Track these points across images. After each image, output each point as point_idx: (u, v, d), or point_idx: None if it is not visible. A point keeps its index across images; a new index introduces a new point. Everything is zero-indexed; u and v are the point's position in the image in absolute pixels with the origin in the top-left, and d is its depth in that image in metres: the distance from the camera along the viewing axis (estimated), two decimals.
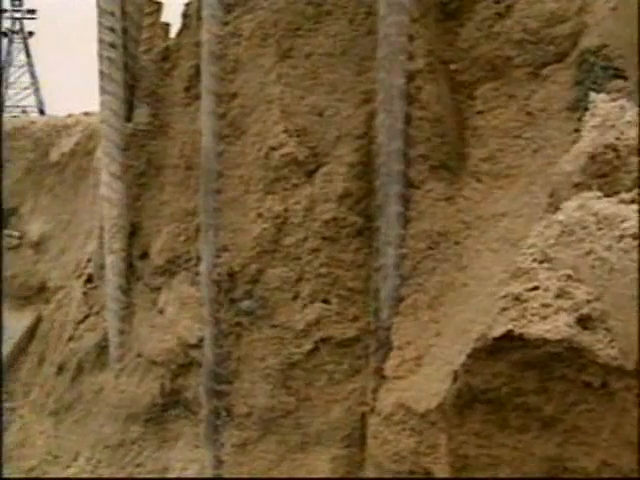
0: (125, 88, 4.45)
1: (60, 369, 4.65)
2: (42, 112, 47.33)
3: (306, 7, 3.89)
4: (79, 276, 5.13)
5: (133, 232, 4.44)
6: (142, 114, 4.47)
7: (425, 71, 3.61)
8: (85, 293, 4.75)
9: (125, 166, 4.40)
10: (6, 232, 15.36)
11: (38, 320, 13.52)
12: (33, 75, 55.48)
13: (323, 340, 3.63)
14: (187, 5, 4.62)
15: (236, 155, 3.82)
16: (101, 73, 4.42)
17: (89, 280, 4.80)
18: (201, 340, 3.87)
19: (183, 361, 4.03)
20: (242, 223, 3.75)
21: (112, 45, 4.40)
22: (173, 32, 4.91)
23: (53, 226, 15.15)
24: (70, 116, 16.79)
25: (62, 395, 4.53)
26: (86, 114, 16.74)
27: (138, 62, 4.56)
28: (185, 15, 4.59)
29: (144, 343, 4.19)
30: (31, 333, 12.80)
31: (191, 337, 3.94)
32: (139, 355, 4.21)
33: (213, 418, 3.84)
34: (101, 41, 4.42)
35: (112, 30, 4.40)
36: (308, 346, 3.64)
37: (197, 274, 3.95)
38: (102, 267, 4.59)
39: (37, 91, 55.00)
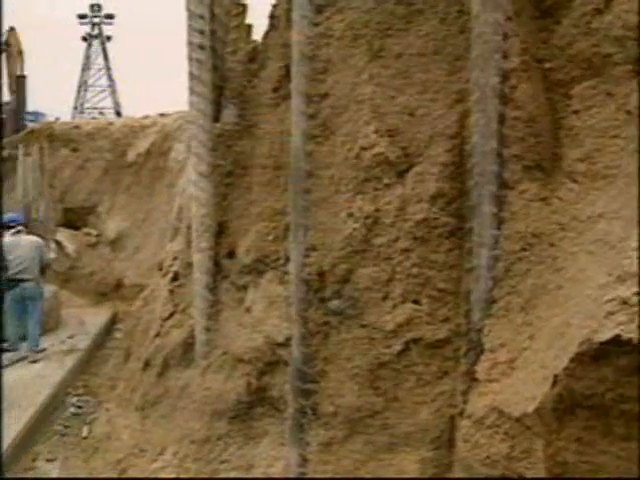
0: (213, 89, 4.51)
1: (146, 365, 4.73)
2: (118, 113, 48.46)
3: (397, 7, 3.88)
4: (165, 274, 5.21)
5: (220, 231, 4.50)
6: (230, 114, 4.52)
7: (520, 70, 3.56)
8: (171, 291, 4.82)
9: (213, 166, 4.46)
10: (85, 230, 15.80)
11: (114, 316, 13.86)
12: (110, 78, 56.94)
13: (413, 341, 3.61)
14: (274, 7, 4.66)
15: (326, 155, 3.83)
16: (190, 74, 4.49)
17: (175, 278, 4.88)
18: (288, 339, 3.88)
19: (270, 359, 4.06)
20: (332, 223, 3.76)
21: (201, 47, 4.46)
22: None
23: (129, 224, 15.57)
24: (146, 117, 17.19)
25: (148, 390, 4.61)
26: (162, 115, 17.13)
27: (226, 63, 4.61)
28: (272, 16, 4.63)
29: (231, 341, 4.23)
30: (107, 329, 13.12)
31: (279, 336, 3.97)
32: (225, 353, 4.25)
33: (299, 417, 3.85)
34: (190, 43, 4.49)
35: (201, 32, 4.46)
36: (398, 347, 3.63)
37: (286, 273, 3.98)
38: (188, 265, 4.66)
39: (114, 93, 56.41)
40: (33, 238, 11.13)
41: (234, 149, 4.51)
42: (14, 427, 7.91)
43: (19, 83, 25.49)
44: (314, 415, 3.81)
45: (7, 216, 11.40)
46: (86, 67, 58.13)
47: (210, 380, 4.25)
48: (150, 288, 5.39)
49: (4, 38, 35.20)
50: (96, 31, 58.17)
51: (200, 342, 4.39)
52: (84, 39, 58.09)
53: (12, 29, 34.33)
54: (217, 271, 4.45)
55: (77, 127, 16.80)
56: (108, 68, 57.60)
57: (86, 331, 12.37)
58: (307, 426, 3.83)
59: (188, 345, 4.49)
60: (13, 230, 10.91)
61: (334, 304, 3.75)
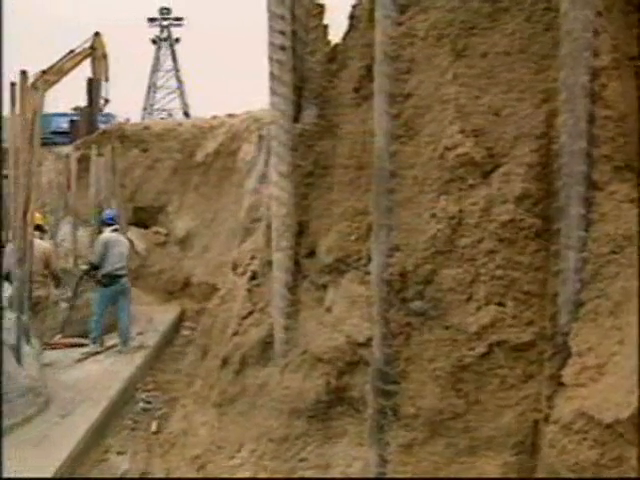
0: (294, 90, 4.53)
1: (224, 363, 4.78)
2: (187, 114, 49.33)
3: (482, 5, 3.84)
4: (242, 273, 5.26)
5: (300, 230, 4.52)
6: (310, 115, 4.54)
7: (610, 68, 3.49)
8: (249, 290, 4.86)
9: (293, 166, 4.48)
10: (154, 229, 16.10)
11: (182, 314, 14.08)
12: (179, 79, 58.11)
13: (497, 343, 3.57)
14: (354, 7, 4.67)
15: (410, 155, 3.82)
16: (271, 75, 4.52)
17: (253, 277, 4.92)
18: (370, 339, 3.88)
19: (350, 359, 4.06)
20: (415, 223, 3.74)
21: (282, 48, 4.49)
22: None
23: (197, 224, 15.81)
24: (215, 118, 17.43)
25: (226, 388, 4.65)
26: (230, 116, 17.34)
27: (306, 64, 4.63)
28: (352, 17, 4.64)
29: (310, 340, 4.25)
30: (175, 326, 13.34)
31: (360, 336, 3.97)
32: (305, 352, 4.27)
33: (379, 417, 3.84)
34: (271, 44, 4.52)
35: (282, 33, 4.49)
36: (481, 349, 3.59)
37: (367, 273, 3.97)
38: (267, 264, 4.70)
39: (182, 94, 57.53)
40: (124, 236, 11.51)
41: (314, 149, 4.52)
42: (86, 420, 8.12)
43: (92, 86, 26.13)
44: (394, 416, 3.80)
45: (106, 213, 11.77)
46: (155, 69, 59.45)
47: (289, 379, 4.27)
48: (227, 287, 5.45)
49: (89, 43, 36.24)
50: (165, 34, 59.38)
51: (279, 341, 4.41)
52: (153, 42, 59.43)
53: (97, 34, 35.26)
54: (297, 270, 4.47)
55: (147, 128, 17.13)
56: (177, 70, 58.76)
57: (154, 328, 12.61)
58: (387, 427, 3.82)
59: (266, 344, 4.52)
60: (112, 227, 11.27)
61: (416, 305, 3.73)
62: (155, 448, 5.35)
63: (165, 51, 60.64)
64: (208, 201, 15.66)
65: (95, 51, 40.48)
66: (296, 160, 4.48)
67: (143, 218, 15.85)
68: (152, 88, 59.07)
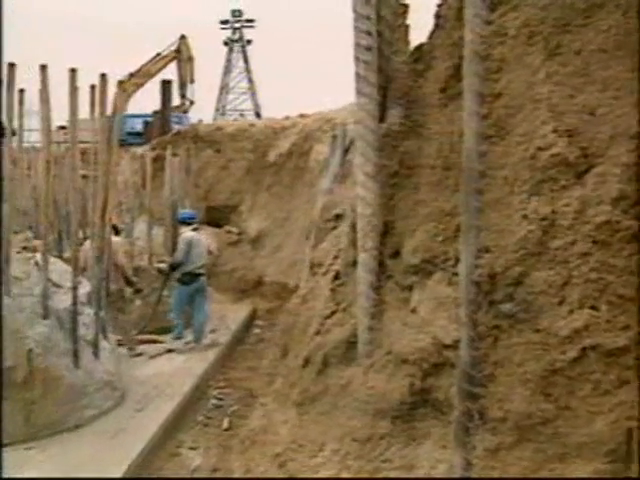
0: (379, 90, 4.52)
1: (306, 362, 4.79)
2: (258, 115, 49.94)
3: (575, 1, 3.77)
4: (325, 273, 5.27)
5: (385, 231, 4.51)
6: (395, 115, 4.53)
7: None
8: (332, 289, 4.87)
9: (379, 166, 4.47)
10: (226, 228, 16.32)
11: (254, 312, 14.23)
12: (250, 80, 58.89)
13: (590, 348, 3.49)
14: (439, 6, 4.64)
15: (500, 155, 3.77)
16: (357, 75, 4.53)
17: (337, 277, 4.93)
18: (456, 341, 3.84)
19: (436, 361, 4.03)
20: (506, 224, 3.69)
21: (368, 48, 4.49)
22: None
23: (270, 223, 15.97)
24: (287, 118, 17.58)
25: (307, 387, 4.67)
26: (301, 116, 17.47)
27: (391, 64, 4.62)
28: (438, 16, 4.61)
29: (395, 341, 4.23)
30: (247, 325, 13.49)
31: (446, 337, 3.93)
32: (389, 352, 4.25)
33: (465, 420, 3.80)
34: (357, 45, 4.52)
35: (368, 33, 4.49)
36: (573, 353, 3.51)
37: (455, 274, 3.94)
38: (350, 264, 4.70)
39: (254, 95, 58.29)
40: (203, 236, 11.76)
41: (400, 149, 4.51)
42: (160, 415, 8.29)
43: (165, 87, 26.64)
44: (481, 419, 3.75)
45: (185, 212, 12.03)
46: (227, 70, 60.34)
47: (373, 379, 4.26)
48: (308, 286, 5.48)
49: (175, 46, 37.04)
50: (237, 35, 60.20)
51: (363, 341, 4.41)
52: (225, 43, 60.28)
53: (183, 37, 36.05)
54: (382, 271, 4.46)
55: (220, 129, 17.37)
56: (248, 71, 59.53)
57: (227, 326, 12.78)
58: (473, 430, 3.77)
59: (350, 344, 4.52)
60: (193, 226, 11.53)
61: (506, 307, 3.68)
62: (234, 445, 5.39)
63: (237, 53, 61.53)
64: (280, 201, 15.80)
65: (180, 54, 41.42)
66: (381, 160, 4.48)
67: (216, 217, 16.08)
68: (224, 89, 59.94)
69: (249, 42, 61.04)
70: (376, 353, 4.33)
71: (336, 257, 5.11)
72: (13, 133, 12.07)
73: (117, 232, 11.30)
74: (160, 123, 23.78)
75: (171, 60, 44.70)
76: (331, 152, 10.23)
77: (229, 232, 16.22)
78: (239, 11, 60.02)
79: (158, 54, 44.62)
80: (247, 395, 9.77)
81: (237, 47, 61.39)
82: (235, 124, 18.85)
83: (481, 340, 3.72)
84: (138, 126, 29.84)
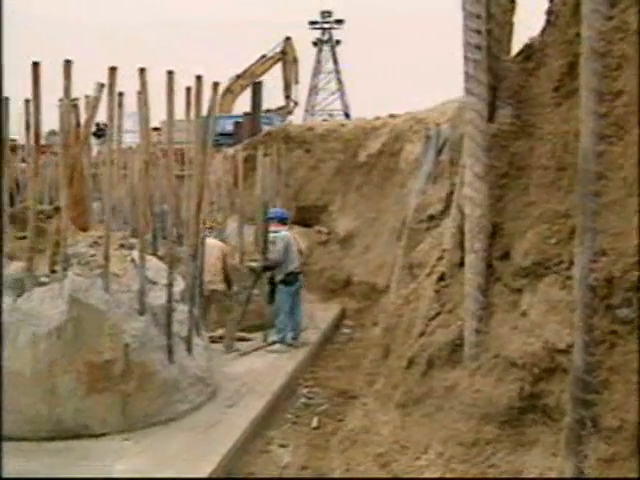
0: (488, 89, 4.46)
1: (410, 363, 4.77)
2: (347, 115, 50.14)
3: None
4: (429, 274, 5.23)
5: (494, 232, 4.45)
6: (505, 115, 4.46)
7: None
8: (437, 291, 4.84)
9: (488, 166, 4.41)
10: (316, 228, 16.41)
11: (343, 312, 14.26)
12: (339, 81, 59.14)
13: None
14: (551, 2, 4.54)
15: (618, 156, 3.66)
16: (466, 75, 4.48)
17: (441, 278, 4.88)
18: (570, 346, 3.75)
19: (547, 366, 3.94)
20: (624, 227, 3.58)
21: (477, 47, 4.43)
22: None
23: (359, 223, 15.98)
24: (377, 118, 17.54)
25: (411, 388, 4.64)
26: (391, 116, 17.40)
27: (500, 63, 4.55)
28: (550, 12, 4.51)
29: (503, 344, 4.17)
30: (336, 324, 13.52)
31: (559, 342, 3.84)
32: (497, 356, 4.19)
33: (577, 428, 3.70)
34: (467, 43, 4.47)
35: (478, 32, 4.44)
36: None
37: (568, 278, 3.85)
38: (455, 266, 4.66)
39: (343, 95, 58.54)
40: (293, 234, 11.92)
41: (510, 150, 4.44)
42: (251, 411, 8.38)
43: (255, 88, 26.97)
44: (594, 428, 3.64)
45: (278, 211, 12.18)
46: (317, 71, 60.65)
47: (479, 382, 4.21)
48: (411, 287, 5.45)
49: (280, 48, 37.63)
50: (326, 36, 60.51)
51: (469, 343, 4.36)
52: (314, 44, 60.62)
53: (288, 38, 36.62)
54: (490, 273, 4.40)
55: (311, 129, 17.47)
56: (337, 72, 59.73)
57: (316, 325, 12.83)
58: (586, 438, 3.67)
59: (455, 346, 4.48)
60: (286, 226, 11.67)
61: (623, 312, 3.57)
62: (333, 444, 5.40)
63: (326, 53, 61.87)
64: (370, 201, 15.78)
65: (286, 55, 41.97)
66: (491, 161, 4.41)
67: (306, 217, 16.17)
68: (313, 90, 60.30)
69: (338, 42, 61.26)
70: (483, 356, 4.27)
71: (440, 258, 5.06)
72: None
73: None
74: (250, 124, 24.10)
75: (276, 62, 45.27)
76: (424, 152, 10.16)
77: (319, 232, 16.30)
78: (328, 12, 60.29)
79: (263, 56, 45.31)
80: (336, 394, 9.81)
81: (326, 48, 61.70)
82: (325, 124, 18.92)
83: (596, 346, 3.61)
84: (229, 127, 30.27)
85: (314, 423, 8.84)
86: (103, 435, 7.53)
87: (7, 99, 8.40)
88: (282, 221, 11.89)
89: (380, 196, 15.55)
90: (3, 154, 4.42)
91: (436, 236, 5.96)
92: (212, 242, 10.91)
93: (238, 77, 42.44)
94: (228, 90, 42.27)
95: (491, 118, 4.50)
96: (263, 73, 44.48)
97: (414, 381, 4.63)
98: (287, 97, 46.06)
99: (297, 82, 39.42)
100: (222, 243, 11.38)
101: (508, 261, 4.35)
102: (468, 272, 4.44)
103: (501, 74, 4.54)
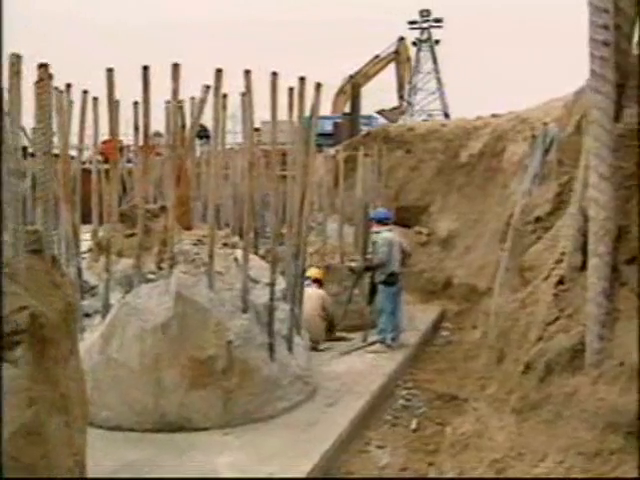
0: (615, 87, 4.27)
1: (527, 368, 4.63)
2: (446, 115, 49.69)
3: None
4: (546, 277, 5.07)
5: (619, 236, 4.26)
6: (632, 114, 4.27)
7: None
8: (556, 295, 4.68)
9: (614, 167, 4.23)
10: (416, 229, 16.29)
11: (442, 314, 14.11)
12: (439, 80, 58.57)
13: None
14: None
15: None
16: (592, 72, 4.29)
17: (560, 282, 4.72)
18: None
19: None
20: None
21: (605, 43, 4.25)
22: None
23: (460, 225, 15.80)
24: (479, 118, 17.29)
25: (527, 394, 4.51)
26: (494, 116, 17.11)
27: (628, 59, 4.36)
28: None
29: (629, 352, 3.98)
30: (435, 326, 13.40)
31: None
32: (622, 363, 4.01)
33: None
34: (593, 40, 4.29)
35: (605, 27, 4.25)
36: None
37: None
38: (575, 269, 4.49)
39: (442, 95, 57.96)
40: (397, 236, 11.88)
41: (637, 150, 4.25)
42: (350, 411, 8.37)
43: (354, 89, 27.03)
44: None
45: (381, 212, 12.17)
46: (416, 71, 60.00)
47: (603, 390, 4.04)
48: (527, 290, 5.29)
49: (393, 48, 37.78)
50: (425, 35, 59.91)
51: (592, 350, 4.18)
52: (414, 44, 59.95)
53: (402, 39, 36.79)
54: (615, 277, 4.22)
55: (411, 129, 17.38)
56: (437, 71, 59.07)
57: (415, 327, 12.74)
58: None
59: (575, 351, 4.31)
60: (388, 227, 11.67)
61: None
62: (447, 448, 5.31)
63: (425, 53, 61.29)
64: (471, 202, 15.57)
65: (399, 55, 41.96)
66: (617, 161, 4.23)
67: (406, 218, 16.05)
68: (412, 90, 59.74)
69: (437, 42, 60.46)
70: (607, 363, 4.09)
71: (558, 261, 4.89)
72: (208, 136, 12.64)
73: (321, 284, 11.60)
74: (349, 125, 24.15)
75: (389, 62, 45.22)
76: (530, 152, 9.90)
77: (419, 233, 16.18)
78: (427, 11, 59.52)
79: (377, 56, 45.35)
80: (435, 397, 9.71)
81: (425, 47, 61.05)
82: (426, 124, 18.78)
83: None
84: (328, 127, 30.37)
85: (413, 425, 8.78)
86: (205, 429, 7.68)
87: (117, 102, 8.64)
88: (383, 222, 11.83)
89: (482, 197, 15.32)
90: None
91: (550, 238, 5.77)
92: (310, 292, 10.96)
93: (351, 77, 42.57)
94: (341, 91, 42.50)
95: (617, 117, 4.31)
96: (376, 73, 44.41)
97: (531, 386, 4.49)
98: (400, 97, 45.88)
99: (410, 82, 39.35)
100: (321, 291, 11.42)
101: (635, 266, 4.16)
102: (591, 276, 4.26)
103: (629, 71, 4.35)
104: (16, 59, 4.68)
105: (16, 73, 4.67)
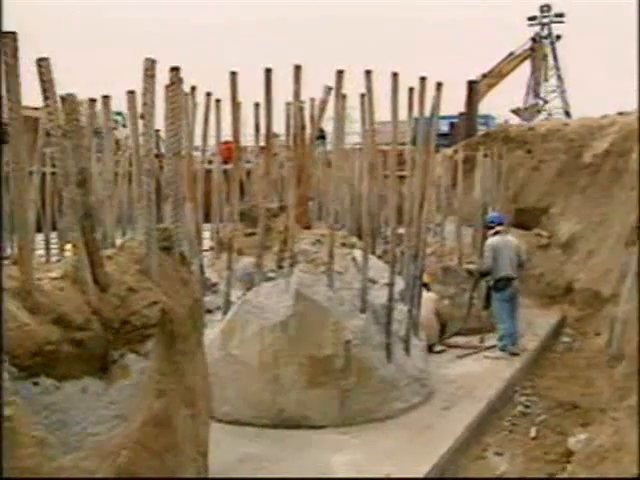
0: None
1: None
2: (567, 114, 48.20)
3: None
4: None
5: None
6: None
7: None
8: None
9: None
10: (535, 231, 15.91)
11: (563, 320, 13.71)
12: (560, 78, 56.70)
13: None
14: None
15: None
16: None
17: None
18: None
19: None
20: None
21: None
22: None
23: (583, 227, 15.28)
24: (604, 117, 16.69)
25: None
26: (620, 114, 16.48)
27: None
28: None
29: None
30: (555, 332, 13.03)
31: None
32: None
33: None
34: None
35: None
36: None
37: None
38: None
39: (563, 93, 56.09)
40: (514, 238, 11.65)
41: None
42: (467, 415, 8.25)
43: (471, 88, 26.59)
44: None
45: (491, 215, 12.01)
46: (536, 68, 58.02)
47: None
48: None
49: (528, 45, 36.86)
50: (545, 31, 58.00)
51: None
52: (533, 40, 58.08)
53: (540, 37, 35.68)
54: None
55: (532, 129, 16.96)
56: (557, 68, 57.03)
57: (534, 332, 12.44)
58: None
59: None
60: (497, 230, 11.48)
61: None
62: (582, 459, 5.13)
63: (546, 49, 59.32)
64: (595, 204, 15.05)
65: (535, 52, 40.92)
66: None
67: (525, 220, 15.71)
68: (538, 87, 57.87)
69: (558, 38, 58.38)
70: None
71: None
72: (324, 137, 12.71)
73: (428, 289, 11.51)
74: (466, 124, 23.78)
75: (524, 59, 44.06)
76: None
77: (538, 235, 15.77)
78: (548, 6, 57.42)
79: (511, 53, 44.28)
80: (556, 405, 9.44)
81: (546, 43, 59.04)
82: (547, 124, 18.29)
83: None
84: (444, 127, 30.05)
85: (532, 433, 8.58)
86: (321, 427, 7.76)
87: (239, 103, 8.83)
88: (490, 226, 11.62)
89: (606, 198, 14.76)
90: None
91: None
92: (425, 296, 10.90)
93: (484, 76, 41.75)
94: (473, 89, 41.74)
95: None
96: (510, 71, 43.36)
97: None
98: (536, 95, 44.55)
99: (546, 80, 38.31)
100: (432, 294, 11.32)
101: None
102: None
103: None
104: (150, 63, 4.87)
105: (150, 77, 4.86)
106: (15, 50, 3.94)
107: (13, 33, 3.96)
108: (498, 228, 11.55)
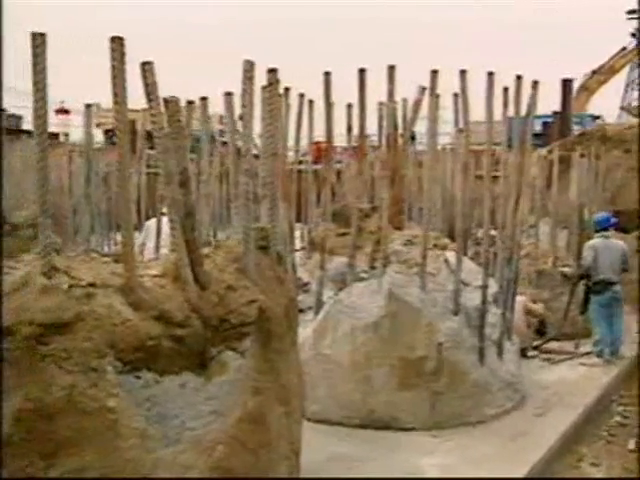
0: None
1: None
2: None
3: None
4: None
5: None
6: None
7: None
8: None
9: None
10: (635, 234, 15.34)
11: None
12: None
13: None
14: None
15: None
16: None
17: None
18: None
19: None
20: None
21: None
22: None
23: None
24: None
25: None
26: None
27: None
28: None
29: None
30: None
31: None
32: None
33: None
34: None
35: None
36: None
37: None
38: None
39: None
40: (619, 241, 11.27)
41: None
42: (561, 423, 8.04)
43: (565, 86, 25.95)
44: None
45: (597, 216, 11.67)
46: (634, 65, 55.88)
47: None
48: None
49: None
50: None
51: None
52: (633, 35, 55.73)
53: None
54: None
55: (630, 128, 16.42)
56: None
57: (634, 339, 11.98)
58: None
59: None
60: (601, 232, 11.16)
61: None
62: None
63: None
64: None
65: None
66: None
67: (623, 222, 15.17)
68: (629, 85, 55.73)
69: None
70: None
71: None
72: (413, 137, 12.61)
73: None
74: (560, 124, 23.20)
75: (637, 54, 42.65)
76: None
77: (639, 238, 15.22)
78: None
79: (623, 48, 43.00)
80: None
81: None
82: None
83: None
84: (537, 127, 29.41)
85: (631, 445, 8.27)
86: (412, 429, 7.73)
87: (352, 105, 8.85)
88: (596, 228, 11.28)
89: None
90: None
91: None
92: (518, 299, 10.67)
93: (594, 73, 40.64)
94: (583, 87, 40.43)
95: None
96: (622, 67, 42.09)
97: None
98: None
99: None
100: (523, 297, 11.01)
101: None
102: None
103: None
104: (249, 65, 4.93)
105: (249, 79, 4.92)
106: (122, 55, 4.06)
107: (120, 38, 4.08)
108: (605, 234, 11.16)
